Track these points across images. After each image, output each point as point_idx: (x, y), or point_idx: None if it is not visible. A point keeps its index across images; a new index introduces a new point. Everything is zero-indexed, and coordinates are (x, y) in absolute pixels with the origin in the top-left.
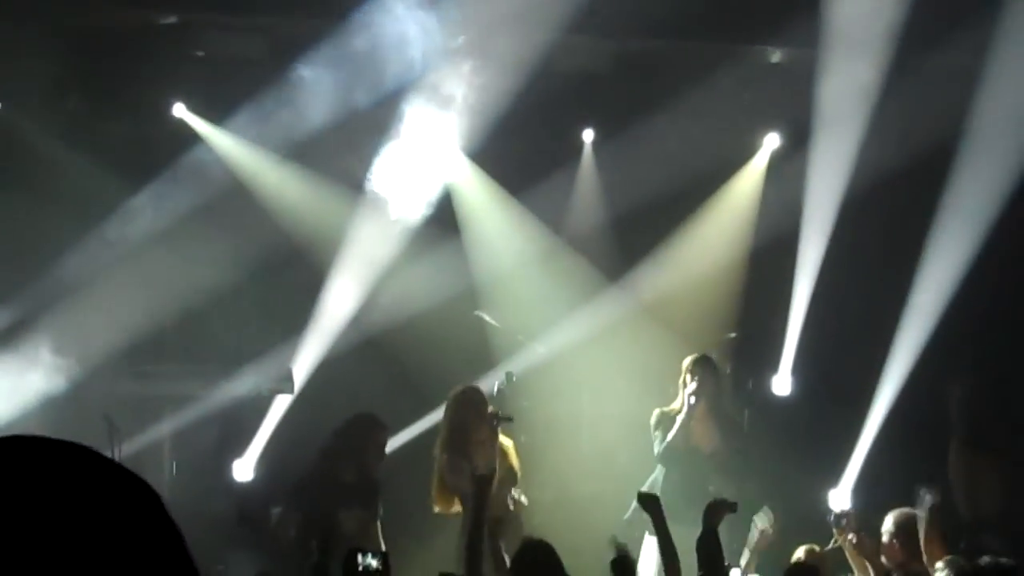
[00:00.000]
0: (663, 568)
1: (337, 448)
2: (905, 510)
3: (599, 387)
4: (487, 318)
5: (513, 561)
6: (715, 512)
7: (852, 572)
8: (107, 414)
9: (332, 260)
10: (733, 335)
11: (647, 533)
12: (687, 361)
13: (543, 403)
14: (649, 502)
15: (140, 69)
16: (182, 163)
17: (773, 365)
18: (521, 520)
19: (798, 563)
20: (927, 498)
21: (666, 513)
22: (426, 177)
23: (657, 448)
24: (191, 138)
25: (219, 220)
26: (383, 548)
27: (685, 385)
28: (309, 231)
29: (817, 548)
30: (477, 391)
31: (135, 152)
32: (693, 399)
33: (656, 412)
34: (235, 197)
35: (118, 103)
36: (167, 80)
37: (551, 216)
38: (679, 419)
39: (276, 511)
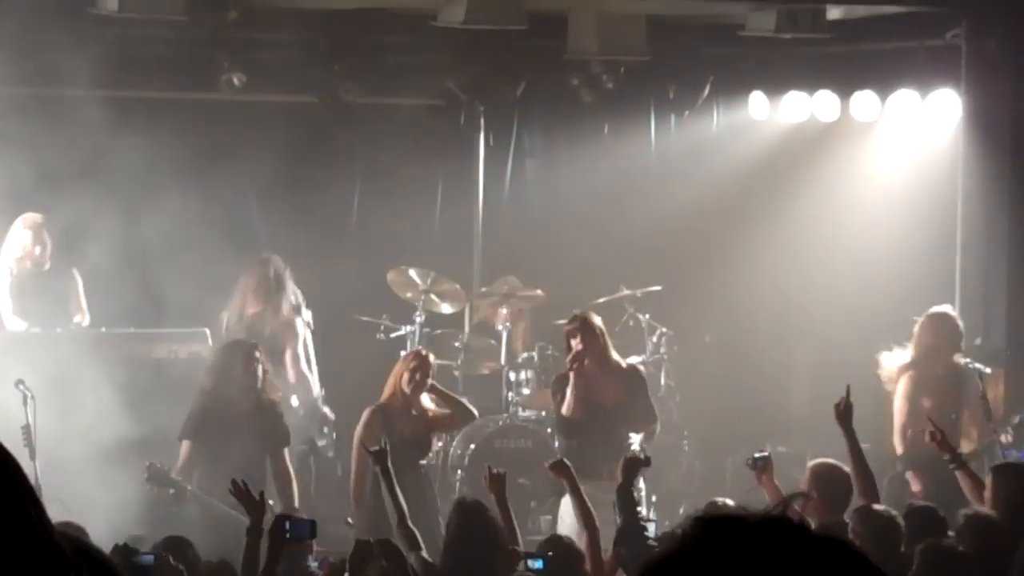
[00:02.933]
0: (583, 530)
1: (215, 380)
2: (824, 460)
3: None
4: None
5: (448, 523)
6: (630, 467)
7: None
8: (20, 379)
9: None
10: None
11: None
12: (566, 326)
13: None
14: (560, 468)
15: None
16: None
17: None
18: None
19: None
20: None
21: (581, 473)
22: None
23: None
24: None
25: None
26: (291, 476)
27: (570, 350)
28: None
29: (728, 502)
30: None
31: None
32: (576, 363)
33: (553, 380)
34: None
35: None
36: None
37: None
38: (569, 388)
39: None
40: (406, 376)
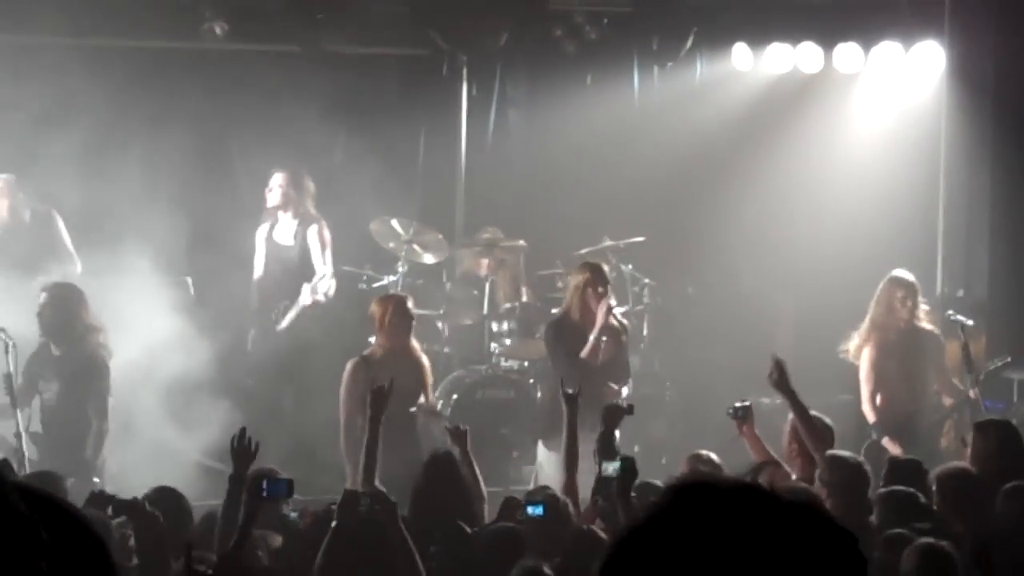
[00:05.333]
0: (564, 462)
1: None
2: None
3: None
4: None
5: (421, 472)
6: (612, 416)
7: None
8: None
9: None
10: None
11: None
12: (585, 271)
13: None
14: (571, 399)
15: None
16: None
17: None
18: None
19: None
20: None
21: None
22: None
23: (564, 362)
24: None
25: None
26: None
27: (592, 295)
28: None
29: (710, 455)
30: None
31: None
32: (603, 312)
33: (554, 323)
34: None
35: None
36: None
37: None
38: (593, 334)
39: None
40: (387, 320)
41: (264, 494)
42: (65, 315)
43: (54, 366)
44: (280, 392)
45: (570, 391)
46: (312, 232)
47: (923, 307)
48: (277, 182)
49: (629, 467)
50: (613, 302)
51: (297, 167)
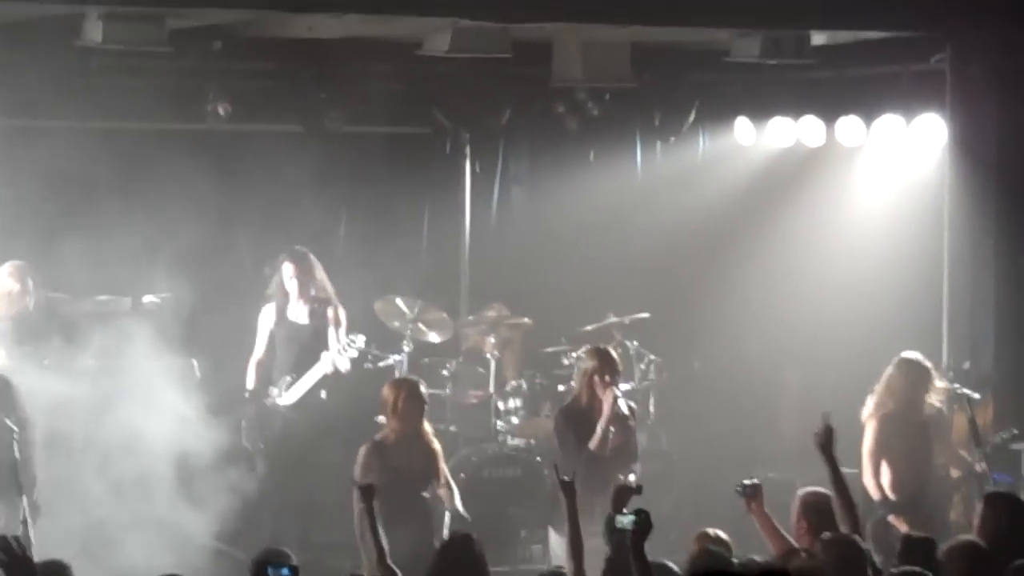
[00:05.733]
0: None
1: None
2: (813, 489)
3: None
4: None
5: (437, 554)
6: (620, 496)
7: None
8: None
9: None
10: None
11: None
12: (594, 359)
13: None
14: (568, 488)
15: None
16: None
17: None
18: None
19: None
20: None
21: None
22: None
23: (573, 451)
24: None
25: None
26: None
27: (599, 383)
28: None
29: (718, 533)
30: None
31: None
32: (609, 403)
33: (563, 410)
34: None
35: None
36: None
37: None
38: (601, 425)
39: None
40: (400, 405)
41: None
42: None
43: None
44: (290, 471)
45: (565, 479)
46: (330, 312)
47: (936, 386)
48: (289, 272)
49: (644, 520)
50: (619, 391)
51: (303, 251)
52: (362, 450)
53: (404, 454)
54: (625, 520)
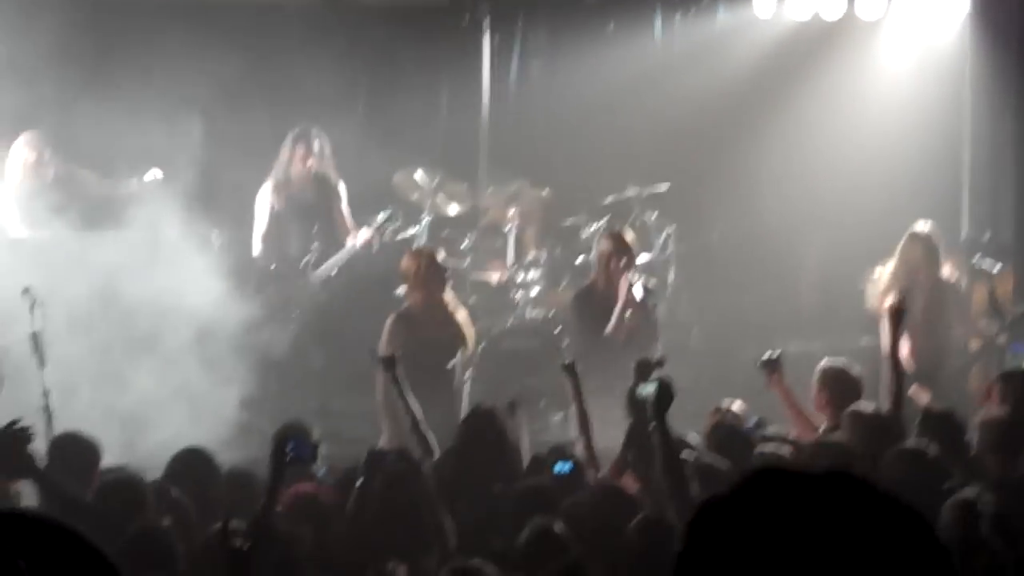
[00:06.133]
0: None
1: None
2: (834, 363)
3: None
4: None
5: (460, 427)
6: (642, 369)
7: None
8: (26, 287)
9: None
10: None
11: None
12: (609, 243)
13: None
14: (569, 370)
15: None
16: None
17: None
18: None
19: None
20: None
21: (603, 389)
22: None
23: (589, 335)
24: None
25: None
26: None
27: (615, 268)
28: None
29: (737, 403)
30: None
31: None
32: (624, 289)
33: (580, 294)
34: None
35: None
36: None
37: None
38: (616, 310)
39: None
40: (420, 275)
41: (288, 457)
42: None
43: None
44: (313, 342)
45: (567, 362)
46: (331, 186)
47: (945, 259)
48: (289, 148)
49: (665, 390)
50: (635, 276)
51: (306, 128)
52: (388, 322)
53: (429, 324)
54: (646, 390)
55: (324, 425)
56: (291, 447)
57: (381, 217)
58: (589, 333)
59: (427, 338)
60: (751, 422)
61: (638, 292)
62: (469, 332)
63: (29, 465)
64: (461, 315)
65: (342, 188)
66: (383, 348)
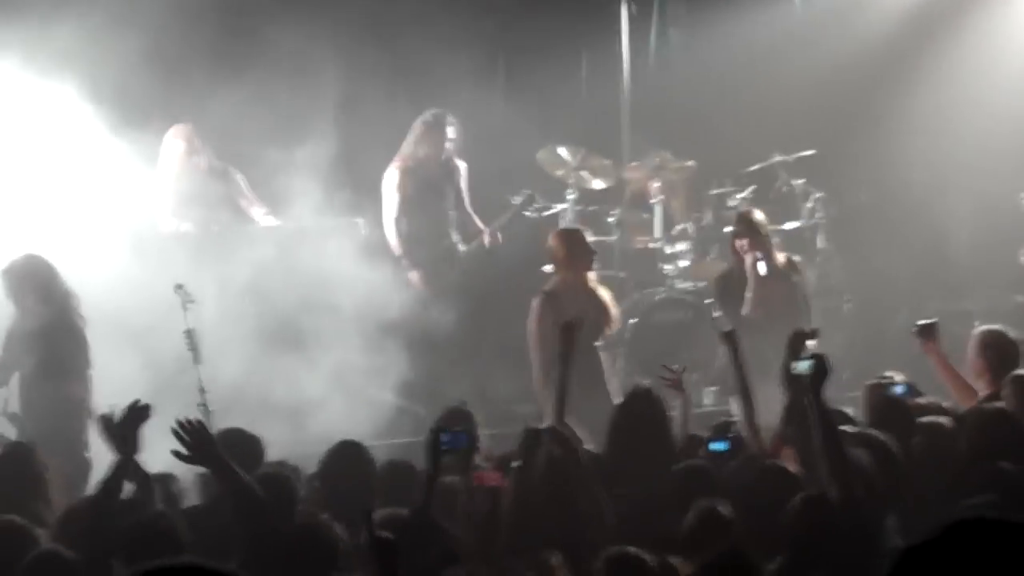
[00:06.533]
0: (742, 406)
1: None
2: (991, 328)
3: None
4: None
5: (615, 411)
6: (797, 342)
7: None
8: (179, 284)
9: None
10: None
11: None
12: (735, 223)
13: None
14: (728, 338)
15: None
16: None
17: None
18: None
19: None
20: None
21: (758, 371)
22: None
23: (733, 317)
24: None
25: None
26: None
27: (736, 251)
28: None
29: (897, 376)
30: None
31: None
32: (751, 268)
33: (719, 277)
34: None
35: None
36: None
37: None
38: (749, 293)
39: None
40: (568, 255)
41: (443, 447)
42: (32, 286)
43: (29, 340)
44: (464, 329)
45: (725, 329)
46: (461, 172)
47: None
48: (452, 133)
49: (821, 364)
50: (760, 255)
51: (444, 112)
52: (535, 302)
53: (575, 304)
54: (802, 366)
55: (483, 408)
56: (446, 440)
57: (517, 201)
58: (731, 315)
59: (575, 318)
60: (899, 389)
61: (762, 269)
62: (615, 311)
63: (212, 453)
64: (606, 294)
65: (464, 168)
66: (533, 328)
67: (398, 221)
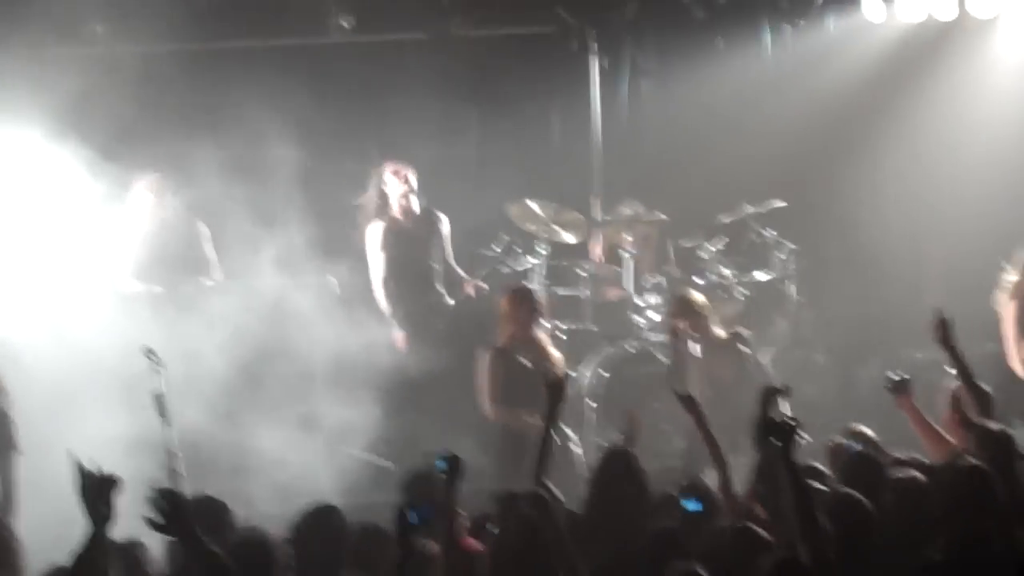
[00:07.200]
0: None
1: None
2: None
3: None
4: None
5: (593, 471)
6: (768, 398)
7: None
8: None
9: None
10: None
11: None
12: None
13: None
14: (689, 403)
15: None
16: None
17: None
18: None
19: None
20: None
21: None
22: None
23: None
24: None
25: None
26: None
27: (675, 333)
28: None
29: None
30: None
31: None
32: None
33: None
34: None
35: None
36: None
37: None
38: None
39: None
40: (520, 312)
41: (412, 524)
42: None
43: None
44: (437, 390)
45: (684, 394)
46: (444, 225)
47: None
48: (403, 184)
49: (790, 428)
50: (686, 327)
51: (400, 162)
52: (487, 355)
53: (529, 356)
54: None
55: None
56: (412, 518)
57: (497, 250)
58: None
59: (525, 369)
60: (854, 448)
61: (695, 350)
62: (562, 365)
63: (184, 523)
64: (554, 351)
65: (445, 223)
66: (489, 381)
67: (386, 281)
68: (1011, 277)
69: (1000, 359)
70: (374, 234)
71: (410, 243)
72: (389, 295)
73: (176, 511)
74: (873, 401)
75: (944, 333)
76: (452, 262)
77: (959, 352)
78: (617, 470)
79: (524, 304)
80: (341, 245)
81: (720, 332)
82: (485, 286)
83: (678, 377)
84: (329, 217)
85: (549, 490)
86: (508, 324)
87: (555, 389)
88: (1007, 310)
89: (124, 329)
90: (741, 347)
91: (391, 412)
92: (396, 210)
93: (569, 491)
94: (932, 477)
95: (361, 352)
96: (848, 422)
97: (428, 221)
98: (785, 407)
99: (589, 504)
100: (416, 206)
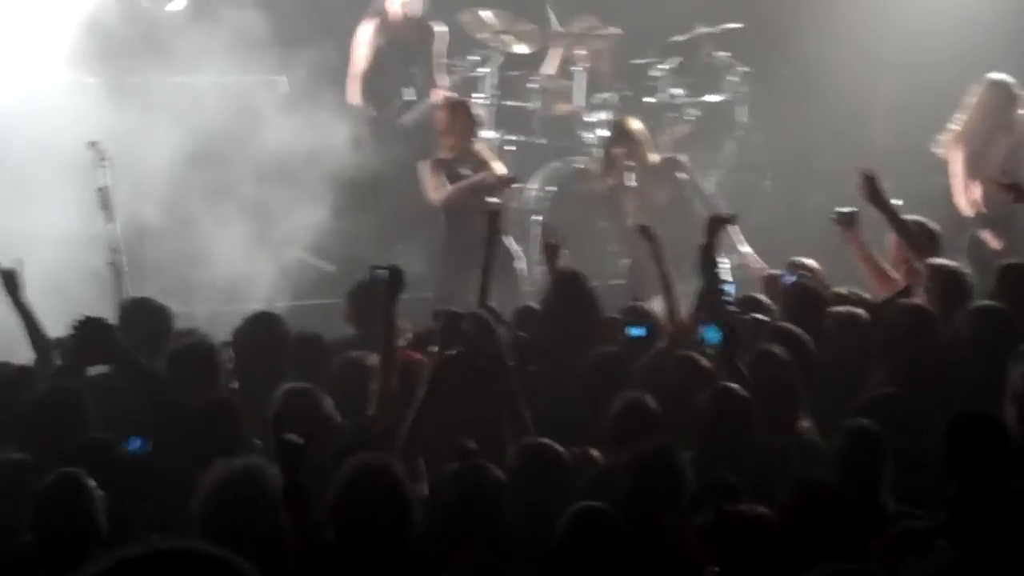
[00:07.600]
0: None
1: None
2: (912, 217)
3: None
4: None
5: (545, 294)
6: (714, 225)
7: None
8: (93, 141)
9: None
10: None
11: None
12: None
13: None
14: (646, 232)
15: None
16: None
17: None
18: None
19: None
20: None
21: None
22: None
23: None
24: None
25: None
26: None
27: (611, 161)
28: None
29: (810, 262)
30: None
31: None
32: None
33: (607, 194)
34: None
35: None
36: None
37: None
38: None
39: None
40: (457, 123)
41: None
42: None
43: None
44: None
45: (640, 224)
46: (437, 40)
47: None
48: None
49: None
50: (623, 156)
51: None
52: (425, 166)
53: (466, 168)
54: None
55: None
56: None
57: (469, 63)
58: (620, 228)
59: (499, 205)
60: (787, 279)
61: (630, 180)
62: (503, 172)
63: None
64: (495, 161)
65: (444, 35)
66: (429, 190)
67: (364, 74)
68: (954, 126)
69: (947, 194)
70: (364, 29)
71: (393, 45)
72: (364, 90)
73: (102, 334)
74: (819, 231)
75: (871, 189)
76: (434, 73)
77: (890, 207)
78: (566, 292)
79: (460, 115)
80: (299, 46)
81: (655, 158)
82: (455, 95)
83: (614, 206)
84: (283, 18)
85: (492, 311)
86: (447, 136)
87: (493, 218)
88: (954, 154)
89: (67, 121)
90: (677, 174)
91: (338, 214)
92: (393, 12)
93: (512, 307)
94: (874, 313)
95: (309, 153)
96: (792, 252)
97: (420, 29)
98: (736, 234)
99: (542, 324)
100: (416, 11)
